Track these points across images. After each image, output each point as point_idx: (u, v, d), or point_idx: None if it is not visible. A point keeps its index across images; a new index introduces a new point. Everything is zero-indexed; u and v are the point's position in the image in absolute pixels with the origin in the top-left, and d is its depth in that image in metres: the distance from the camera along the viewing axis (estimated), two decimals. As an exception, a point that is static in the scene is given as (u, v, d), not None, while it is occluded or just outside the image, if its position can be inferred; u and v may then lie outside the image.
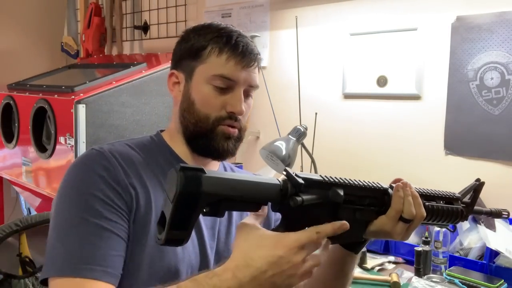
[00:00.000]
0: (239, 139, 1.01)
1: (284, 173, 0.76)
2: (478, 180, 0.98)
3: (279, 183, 0.74)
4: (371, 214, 0.85)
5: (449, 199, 0.95)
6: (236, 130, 0.99)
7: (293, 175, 0.75)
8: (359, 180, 0.83)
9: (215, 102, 0.97)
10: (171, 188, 0.68)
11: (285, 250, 0.72)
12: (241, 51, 0.96)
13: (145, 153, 0.99)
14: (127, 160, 0.94)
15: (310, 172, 2.10)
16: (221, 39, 0.97)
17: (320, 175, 0.79)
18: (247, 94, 1.00)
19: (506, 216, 1.04)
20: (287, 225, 0.76)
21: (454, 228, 0.98)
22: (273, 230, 0.77)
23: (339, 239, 0.82)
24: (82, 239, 0.84)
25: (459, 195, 0.97)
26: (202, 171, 0.69)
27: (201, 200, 0.68)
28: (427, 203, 0.90)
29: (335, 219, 0.78)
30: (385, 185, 0.87)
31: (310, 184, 0.76)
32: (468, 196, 0.98)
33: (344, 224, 0.76)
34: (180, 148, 1.02)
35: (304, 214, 0.75)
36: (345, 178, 0.81)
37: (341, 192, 0.78)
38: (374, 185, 0.85)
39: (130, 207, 0.90)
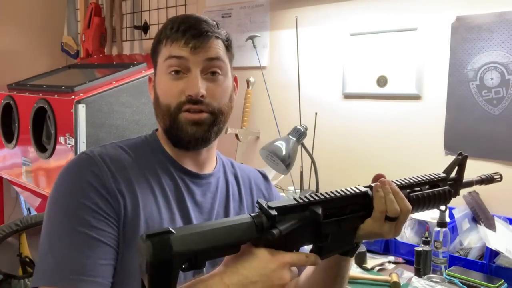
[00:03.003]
0: (213, 123, 0.95)
1: (257, 205, 0.75)
2: (460, 154, 0.97)
3: (251, 220, 0.72)
4: (356, 220, 0.83)
5: (434, 181, 0.93)
6: (204, 114, 0.94)
7: (266, 207, 0.73)
8: (336, 191, 0.81)
9: (173, 89, 0.93)
10: (142, 259, 0.65)
11: (278, 265, 0.73)
12: (184, 33, 0.92)
13: (137, 155, 0.97)
14: (117, 164, 0.92)
15: (310, 172, 2.10)
16: (168, 27, 0.95)
17: (294, 198, 0.77)
18: (212, 72, 0.94)
19: (499, 178, 1.03)
20: None
21: (445, 208, 0.97)
22: None
23: (331, 252, 0.82)
24: (70, 249, 0.84)
25: (444, 175, 0.95)
26: (169, 232, 0.66)
27: (175, 262, 0.66)
28: (411, 194, 0.88)
29: (319, 236, 0.78)
30: (364, 187, 0.85)
31: (286, 211, 0.74)
32: (454, 172, 0.97)
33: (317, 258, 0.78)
34: (172, 149, 1.00)
35: (287, 239, 0.74)
36: (320, 194, 0.79)
37: (319, 211, 0.76)
38: (352, 191, 0.83)
39: (119, 214, 0.88)
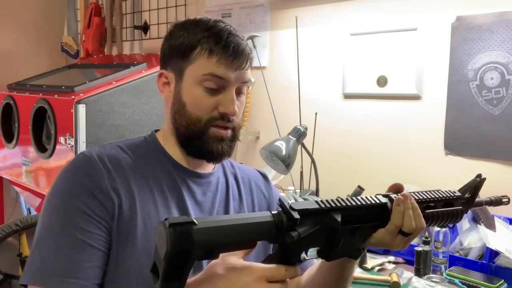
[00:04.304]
0: (233, 138, 0.99)
1: (278, 203, 0.75)
2: (479, 176, 0.98)
3: (272, 219, 0.72)
4: (370, 229, 0.84)
5: (450, 200, 0.94)
6: (229, 131, 0.97)
7: (288, 208, 0.73)
8: (357, 199, 0.81)
9: (207, 103, 0.94)
10: (162, 245, 0.65)
11: (252, 278, 0.73)
12: (231, 52, 0.93)
13: (136, 155, 0.97)
14: (115, 164, 0.92)
15: (310, 172, 2.10)
16: (211, 39, 0.93)
17: (316, 201, 0.77)
18: (239, 92, 0.98)
19: (507, 201, 1.04)
20: (282, 253, 0.76)
21: (453, 226, 0.98)
22: (269, 256, 0.80)
23: (338, 257, 0.82)
24: (57, 249, 0.85)
25: (460, 194, 0.96)
26: (192, 223, 0.66)
27: (193, 253, 0.66)
28: (426, 211, 0.88)
29: (333, 241, 0.78)
30: (383, 197, 0.85)
31: (307, 214, 0.74)
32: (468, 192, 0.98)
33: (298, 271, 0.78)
34: (174, 149, 1.00)
35: (300, 240, 0.74)
36: (341, 200, 0.79)
37: (339, 218, 0.76)
38: (372, 201, 0.83)
39: (112, 214, 0.89)
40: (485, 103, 1.81)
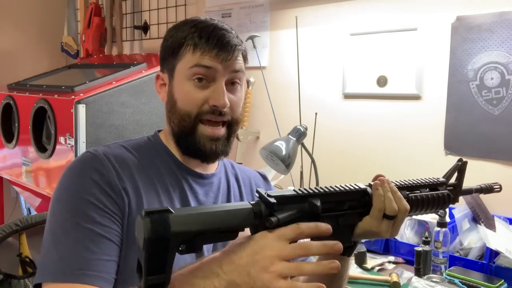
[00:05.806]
0: (229, 135, 0.98)
1: (256, 194, 0.75)
2: (460, 160, 0.98)
3: (251, 206, 0.72)
4: (355, 217, 0.84)
5: (434, 185, 0.94)
6: (222, 130, 0.96)
7: (265, 195, 0.73)
8: (336, 186, 0.82)
9: (196, 97, 0.94)
10: (140, 235, 0.65)
11: (272, 236, 0.70)
12: (215, 45, 0.93)
13: (141, 155, 0.98)
14: (121, 163, 0.93)
15: (310, 172, 2.10)
16: (195, 34, 0.94)
17: (294, 189, 0.77)
18: (233, 84, 0.97)
19: (498, 189, 1.04)
20: None
21: (444, 213, 0.98)
22: None
23: None
24: (75, 244, 0.84)
25: (444, 180, 0.96)
26: (168, 211, 0.66)
27: (172, 241, 0.66)
28: (410, 195, 0.89)
29: None
30: (363, 185, 0.86)
31: (284, 201, 0.74)
32: (454, 178, 0.98)
33: (328, 227, 0.72)
34: (175, 149, 1.01)
35: None
36: (320, 187, 0.80)
37: (318, 203, 0.76)
38: (352, 187, 0.84)
39: (123, 211, 0.89)
40: (485, 103, 1.81)
